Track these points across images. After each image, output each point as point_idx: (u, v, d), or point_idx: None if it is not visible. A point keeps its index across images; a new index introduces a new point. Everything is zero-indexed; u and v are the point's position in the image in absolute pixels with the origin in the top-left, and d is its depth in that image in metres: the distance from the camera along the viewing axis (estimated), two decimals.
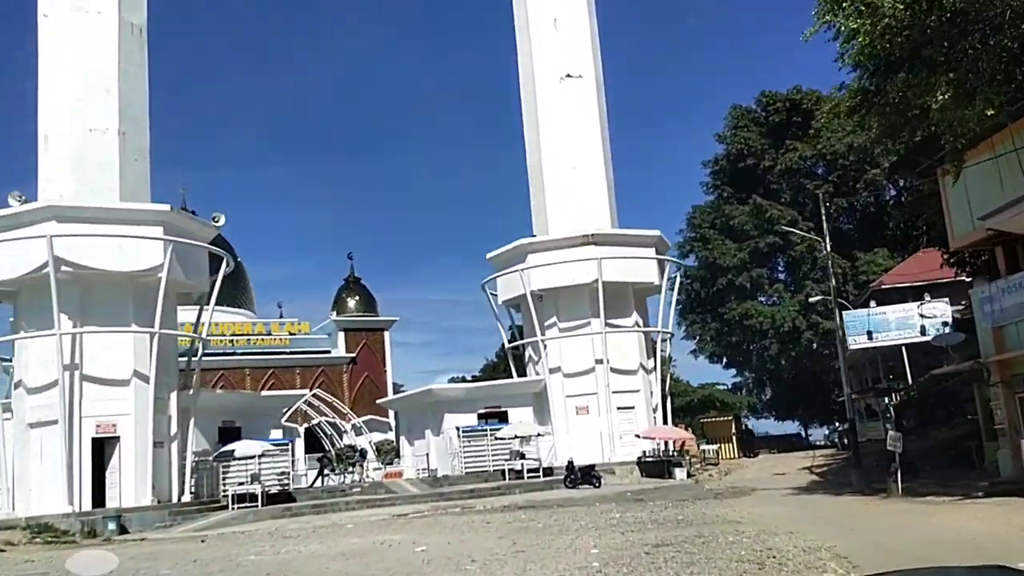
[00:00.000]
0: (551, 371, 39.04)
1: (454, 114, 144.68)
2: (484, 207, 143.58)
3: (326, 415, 56.16)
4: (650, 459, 37.02)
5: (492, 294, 42.62)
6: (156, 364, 29.87)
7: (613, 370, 38.40)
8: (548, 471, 36.51)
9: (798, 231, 42.85)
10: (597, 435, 38.03)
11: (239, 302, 65.85)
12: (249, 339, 61.42)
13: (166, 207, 30.66)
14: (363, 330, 65.85)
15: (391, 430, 58.25)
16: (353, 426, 56.55)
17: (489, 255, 41.63)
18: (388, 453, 43.34)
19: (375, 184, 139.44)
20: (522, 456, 36.37)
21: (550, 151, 40.86)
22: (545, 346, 39.24)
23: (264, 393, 37.15)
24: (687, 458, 38.39)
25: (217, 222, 33.04)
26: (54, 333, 28.58)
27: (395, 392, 66.87)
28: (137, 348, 30.08)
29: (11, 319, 31.45)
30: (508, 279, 40.58)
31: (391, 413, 64.24)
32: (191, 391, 32.76)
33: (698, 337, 60.84)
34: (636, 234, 40.34)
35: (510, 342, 42.75)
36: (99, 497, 29.06)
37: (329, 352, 63.63)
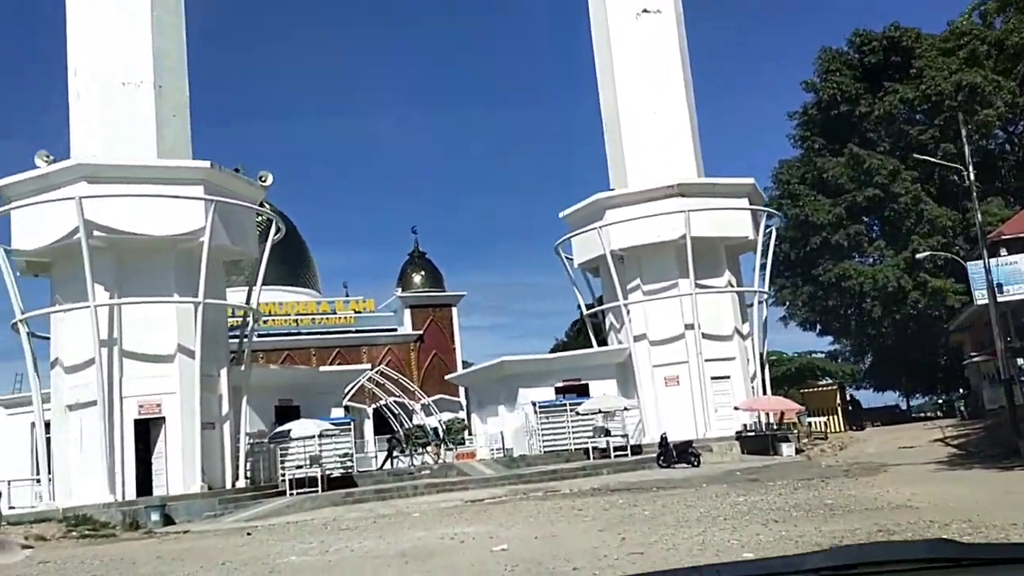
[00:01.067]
0: (636, 339, 35.19)
1: (518, 65, 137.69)
2: (555, 168, 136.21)
3: (393, 394, 53.51)
4: (751, 434, 32.96)
5: (567, 258, 38.84)
6: (202, 338, 27.03)
7: (705, 336, 34.34)
8: (636, 449, 32.81)
9: (934, 160, 37.67)
10: (689, 408, 34.11)
11: (303, 281, 63.50)
12: (314, 318, 58.99)
13: (205, 164, 27.66)
14: (430, 306, 62.86)
15: (462, 409, 55.33)
16: (423, 405, 53.76)
17: (563, 213, 37.87)
18: (459, 432, 40.07)
19: (436, 148, 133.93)
20: (607, 432, 32.71)
21: (627, 95, 36.76)
22: (628, 311, 35.36)
23: (323, 369, 34.24)
24: (794, 432, 34.20)
25: (264, 181, 30.00)
26: (88, 305, 25.93)
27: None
28: (181, 321, 27.28)
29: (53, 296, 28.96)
30: (585, 239, 36.78)
31: (461, 391, 61.55)
32: (243, 367, 29.94)
33: (788, 303, 56.08)
34: (727, 183, 36.06)
35: (588, 309, 38.91)
36: (145, 485, 26.41)
37: (395, 330, 60.87)
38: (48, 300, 28.79)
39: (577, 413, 33.02)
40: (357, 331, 59.36)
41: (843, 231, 51.21)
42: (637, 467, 29.00)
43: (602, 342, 38.07)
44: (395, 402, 52.82)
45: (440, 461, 36.97)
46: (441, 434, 39.00)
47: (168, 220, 26.82)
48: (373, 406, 52.12)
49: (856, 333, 56.55)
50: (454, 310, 63.91)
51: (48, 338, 28.41)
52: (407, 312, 61.77)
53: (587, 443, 33.25)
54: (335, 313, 59.96)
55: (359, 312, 60.54)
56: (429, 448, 38.60)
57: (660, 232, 34.40)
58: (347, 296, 65.04)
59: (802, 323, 56.67)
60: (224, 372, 28.83)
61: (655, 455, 29.04)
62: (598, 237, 35.22)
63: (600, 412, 33.14)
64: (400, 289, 63.26)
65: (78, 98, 28.54)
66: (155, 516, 24.11)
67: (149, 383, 26.75)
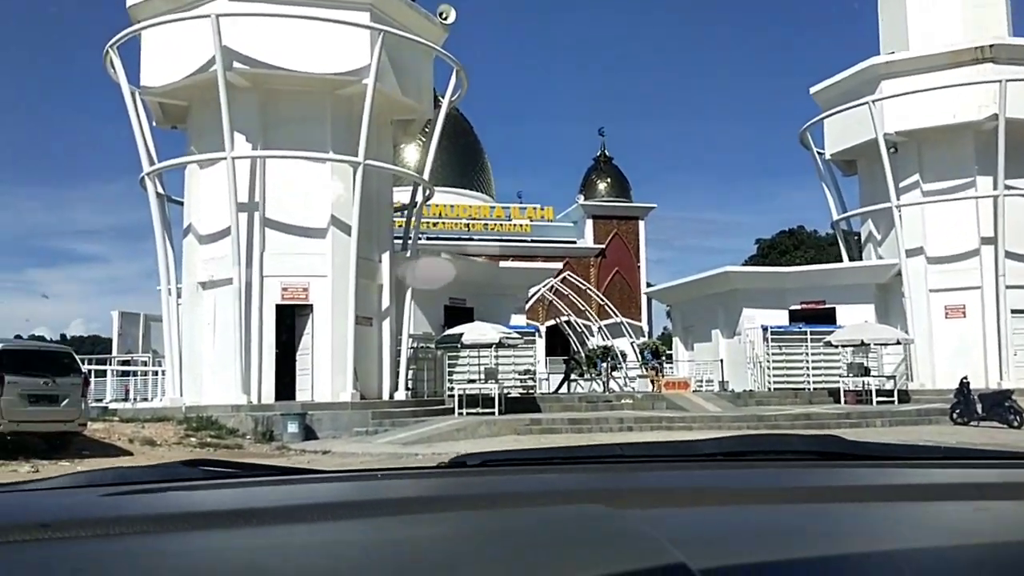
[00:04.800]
0: (908, 254, 26.77)
1: None
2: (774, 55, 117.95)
3: (569, 312, 47.38)
4: None
5: (818, 152, 30.44)
6: (361, 210, 21.25)
7: (1009, 255, 25.56)
8: (903, 395, 24.87)
9: None
10: (977, 349, 25.71)
11: (476, 184, 57.83)
12: (486, 224, 53.35)
13: None
14: (614, 218, 55.83)
15: (643, 335, 48.51)
16: (600, 328, 47.27)
17: (815, 88, 29.50)
18: (655, 358, 33.18)
19: (629, 36, 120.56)
20: (866, 371, 24.88)
21: None
22: (900, 217, 26.89)
23: (504, 265, 28.14)
24: None
25: (445, 18, 23.51)
26: (224, 156, 20.55)
27: (648, 295, 56.96)
28: (336, 186, 21.57)
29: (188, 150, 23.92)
30: (844, 123, 28.33)
31: (644, 314, 54.62)
32: (408, 254, 24.12)
33: None
34: None
35: (841, 213, 30.53)
36: (284, 387, 21.22)
37: (575, 242, 54.37)
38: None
39: (827, 344, 25.27)
40: (532, 241, 53.25)
41: None
42: (919, 420, 21.19)
43: (855, 259, 29.82)
44: (568, 321, 46.79)
45: (655, 388, 30.36)
46: (646, 357, 32.16)
47: (325, 54, 20.89)
48: (548, 323, 46.13)
49: None
50: (641, 223, 56.68)
51: (181, 203, 23.47)
52: (588, 223, 55.10)
53: (834, 382, 25.66)
54: (510, 220, 54.07)
55: (535, 220, 54.47)
56: (650, 372, 31.88)
57: (957, 111, 25.58)
58: (521, 205, 59.20)
59: None
60: (386, 258, 23.08)
61: (950, 406, 21.07)
62: (869, 113, 26.66)
63: (856, 345, 25.27)
64: (582, 197, 56.56)
65: None
66: (293, 427, 18.81)
67: (295, 261, 21.31)
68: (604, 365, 35.39)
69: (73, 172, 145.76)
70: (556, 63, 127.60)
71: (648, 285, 55.94)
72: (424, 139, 33.55)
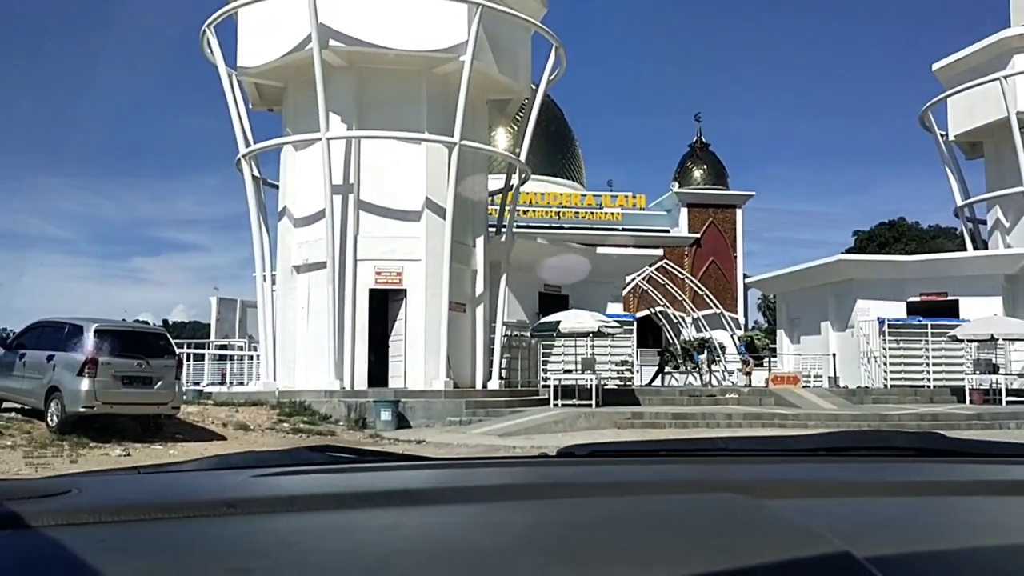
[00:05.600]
0: None
1: None
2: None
3: (663, 302, 46.05)
4: None
5: (941, 134, 28.34)
6: (457, 193, 20.57)
7: None
8: None
9: None
10: None
11: (566, 172, 56.76)
12: (577, 212, 52.31)
13: None
14: (710, 206, 54.02)
15: (739, 328, 46.79)
16: (696, 318, 45.74)
17: (939, 64, 27.49)
18: (761, 351, 31.68)
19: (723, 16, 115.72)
20: (995, 369, 22.98)
21: None
22: None
23: (602, 251, 27.08)
24: None
25: None
26: (319, 137, 20.12)
27: (745, 287, 54.97)
28: (431, 168, 20.93)
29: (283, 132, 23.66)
30: (970, 101, 26.26)
31: (740, 308, 52.93)
32: (504, 238, 23.35)
33: None
34: None
35: (965, 199, 28.37)
36: (378, 373, 20.74)
37: (668, 231, 52.80)
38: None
39: (953, 339, 23.42)
40: (624, 229, 51.92)
41: None
42: None
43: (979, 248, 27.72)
44: (661, 312, 45.46)
45: (747, 383, 29.07)
46: (740, 349, 30.79)
47: (421, 31, 20.27)
48: (639, 313, 44.91)
49: None
50: (739, 212, 54.77)
51: (277, 186, 23.21)
52: (683, 211, 53.46)
53: (957, 380, 23.84)
54: (601, 208, 52.94)
55: (627, 209, 53.16)
56: (743, 367, 30.70)
57: None
58: (612, 193, 57.90)
59: None
60: (480, 242, 22.37)
61: None
62: (998, 93, 24.61)
63: (984, 340, 23.36)
64: (677, 184, 54.87)
65: None
66: (386, 415, 18.29)
67: (389, 245, 20.79)
68: (702, 357, 34.04)
69: (176, 164, 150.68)
70: (650, 48, 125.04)
71: (744, 276, 54.10)
72: (516, 126, 32.79)
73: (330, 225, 20.16)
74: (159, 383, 14.05)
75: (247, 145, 21.95)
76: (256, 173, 22.98)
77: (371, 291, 20.73)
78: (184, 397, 20.38)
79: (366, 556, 0.90)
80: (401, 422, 18.49)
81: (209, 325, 35.49)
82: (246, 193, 21.95)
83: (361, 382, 20.31)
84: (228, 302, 33.78)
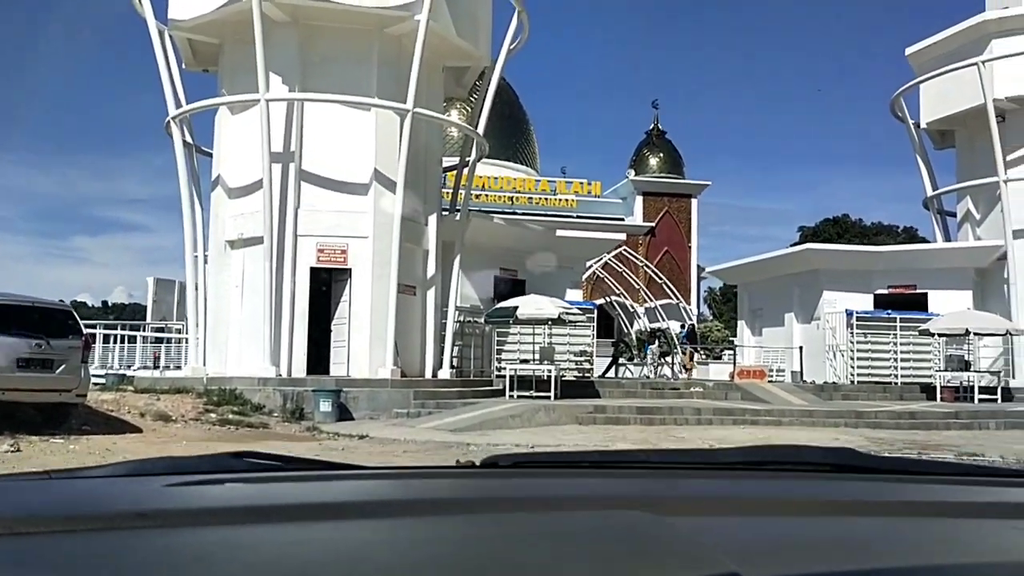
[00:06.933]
0: (1015, 234, 23.85)
1: None
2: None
3: (619, 291, 44.98)
4: None
5: (914, 124, 27.35)
6: (409, 164, 18.87)
7: None
8: (1005, 393, 22.10)
9: None
10: None
11: (520, 157, 55.28)
12: (531, 198, 50.88)
13: None
14: (666, 195, 53.15)
15: (691, 318, 45.94)
16: (655, 307, 44.75)
17: (912, 49, 26.53)
18: (706, 341, 30.61)
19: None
20: (967, 366, 22.12)
21: None
22: (1007, 193, 23.91)
23: (562, 233, 25.55)
24: None
25: None
26: (257, 98, 18.24)
27: (699, 277, 54.24)
28: (381, 137, 19.20)
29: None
30: (943, 88, 25.39)
31: (693, 297, 52.18)
32: (459, 217, 21.73)
33: None
34: None
35: (935, 189, 27.45)
36: (318, 359, 19.01)
37: (623, 219, 51.70)
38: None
39: (925, 333, 22.50)
40: (579, 217, 50.68)
41: None
42: None
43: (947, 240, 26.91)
44: (615, 301, 44.32)
45: (687, 374, 27.98)
46: (681, 339, 29.58)
47: None
48: (596, 301, 43.76)
49: None
50: (694, 202, 53.98)
51: (211, 155, 21.23)
52: (638, 200, 52.50)
53: (925, 376, 23.02)
54: (556, 194, 51.64)
55: (582, 196, 51.97)
56: (682, 357, 29.63)
57: None
58: (567, 179, 56.63)
59: None
60: (433, 220, 20.69)
61: None
62: (971, 80, 23.72)
63: (955, 334, 22.49)
64: (633, 172, 53.88)
65: None
66: (325, 405, 16.59)
67: (334, 219, 19.01)
68: (653, 348, 32.93)
69: (122, 142, 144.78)
70: (607, 35, 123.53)
71: (699, 268, 53.37)
72: (470, 107, 31.10)
73: (268, 196, 18.32)
74: (61, 367, 12.17)
75: (177, 107, 19.93)
76: (189, 139, 21.01)
77: (312, 270, 18.95)
78: (104, 383, 18.63)
79: (278, 571, 0.89)
80: (343, 414, 16.82)
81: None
82: (175, 159, 19.92)
83: (299, 369, 18.54)
84: (166, 283, 32.40)
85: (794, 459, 1.73)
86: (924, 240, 38.55)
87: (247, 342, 18.68)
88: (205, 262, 20.48)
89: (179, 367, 23.29)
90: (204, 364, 19.49)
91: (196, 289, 20.13)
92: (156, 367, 24.66)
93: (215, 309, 19.65)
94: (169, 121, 19.85)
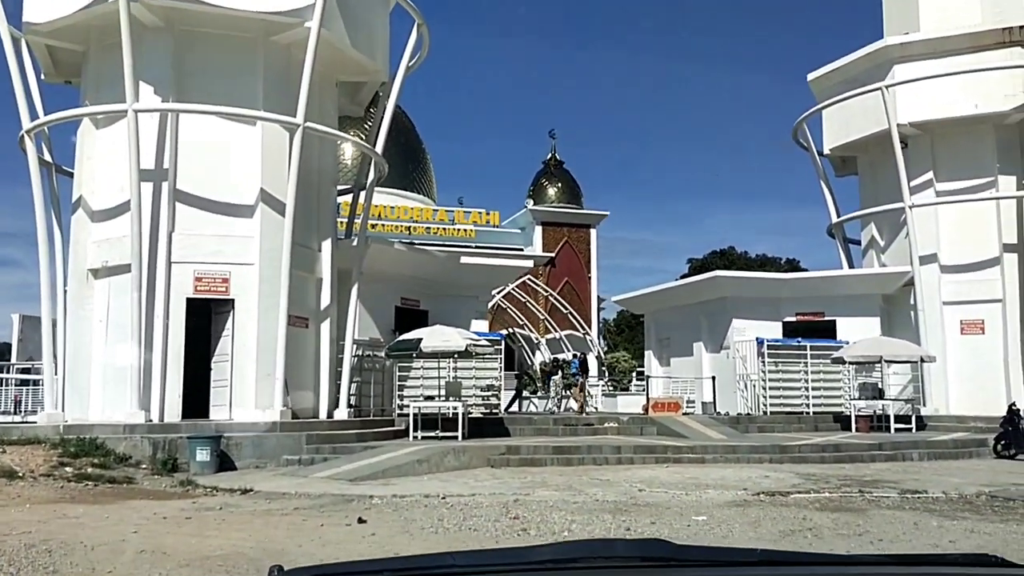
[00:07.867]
0: (921, 261, 23.78)
1: None
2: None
3: (522, 322, 43.88)
4: None
5: (819, 152, 27.18)
6: (299, 185, 17.12)
7: None
8: (919, 421, 21.78)
9: None
10: (997, 370, 22.85)
11: (417, 186, 53.93)
12: (428, 228, 49.47)
13: None
14: (565, 225, 52.62)
15: (591, 349, 45.15)
16: (559, 338, 43.78)
17: (814, 75, 26.44)
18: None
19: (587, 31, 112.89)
20: (881, 395, 21.71)
21: None
22: (911, 219, 23.86)
23: (467, 260, 24.05)
24: None
25: None
26: (125, 108, 16.20)
27: (599, 307, 53.78)
28: (269, 153, 17.41)
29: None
30: (845, 114, 25.36)
31: (594, 328, 51.56)
32: (355, 242, 20.02)
33: None
34: None
35: (839, 217, 27.28)
36: (195, 402, 16.90)
37: (522, 249, 50.80)
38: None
39: (838, 361, 22.01)
40: (478, 247, 49.47)
41: None
42: (958, 453, 17.95)
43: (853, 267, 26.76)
44: (516, 333, 43.15)
45: (585, 408, 26.77)
46: (573, 370, 28.35)
47: None
48: (501, 332, 42.49)
49: None
50: (593, 232, 53.65)
51: (72, 174, 18.90)
52: (538, 230, 51.79)
53: (836, 405, 22.59)
54: (454, 224, 50.47)
55: (481, 225, 50.94)
56: (573, 390, 28.38)
57: (980, 100, 22.77)
58: (466, 209, 55.43)
59: None
60: (327, 246, 18.96)
61: (996, 437, 17.95)
62: (873, 106, 23.69)
63: (865, 362, 22.12)
64: (531, 201, 53.16)
65: None
66: (203, 454, 14.57)
67: (214, 245, 17.04)
68: (556, 379, 31.74)
69: None
70: (504, 67, 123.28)
71: (599, 300, 52.90)
72: (365, 134, 29.48)
73: (137, 219, 16.24)
74: None
75: (32, 119, 17.63)
76: (48, 158, 18.72)
77: (189, 301, 16.88)
78: None
79: None
80: (223, 463, 14.81)
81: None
82: (30, 178, 17.56)
83: (173, 413, 16.39)
84: (33, 320, 29.62)
85: (604, 553, 1.69)
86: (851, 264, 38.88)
87: (112, 384, 16.43)
88: (65, 295, 18.13)
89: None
90: (62, 410, 17.11)
91: (53, 326, 17.73)
92: (17, 411, 22.21)
93: (75, 347, 17.29)
94: (23, 135, 17.51)
